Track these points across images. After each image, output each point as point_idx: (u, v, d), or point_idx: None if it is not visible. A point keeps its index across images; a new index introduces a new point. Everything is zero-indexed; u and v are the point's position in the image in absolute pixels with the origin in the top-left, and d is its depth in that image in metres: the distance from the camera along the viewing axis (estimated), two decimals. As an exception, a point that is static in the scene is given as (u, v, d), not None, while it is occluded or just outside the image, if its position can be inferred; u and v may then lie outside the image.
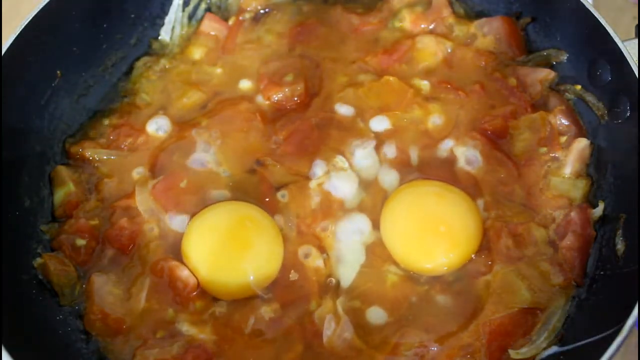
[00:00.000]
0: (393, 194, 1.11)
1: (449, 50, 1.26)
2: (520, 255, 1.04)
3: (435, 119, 1.18)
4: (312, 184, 1.12)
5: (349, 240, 1.08)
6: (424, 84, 1.23)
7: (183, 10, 1.37)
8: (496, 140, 1.15)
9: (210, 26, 1.36)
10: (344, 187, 1.12)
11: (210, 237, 1.06)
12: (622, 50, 1.03)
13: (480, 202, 1.10)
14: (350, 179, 1.13)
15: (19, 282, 1.03)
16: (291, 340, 1.01)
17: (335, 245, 1.08)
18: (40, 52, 1.14)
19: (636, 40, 1.08)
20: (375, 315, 1.03)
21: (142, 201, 1.12)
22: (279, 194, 1.13)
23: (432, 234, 1.06)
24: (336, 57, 1.29)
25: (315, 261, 1.06)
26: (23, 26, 1.08)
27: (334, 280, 1.05)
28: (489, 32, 1.27)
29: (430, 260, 1.05)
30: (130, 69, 1.31)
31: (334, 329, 1.00)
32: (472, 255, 1.05)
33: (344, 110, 1.21)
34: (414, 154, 1.15)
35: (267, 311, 1.03)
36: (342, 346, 0.99)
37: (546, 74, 1.20)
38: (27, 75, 1.12)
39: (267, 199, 1.13)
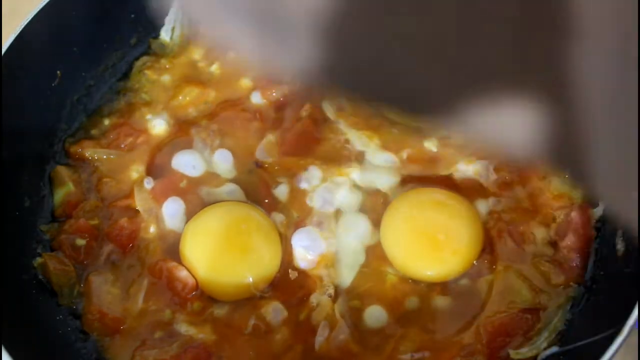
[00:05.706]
0: (393, 203, 1.09)
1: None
2: (521, 256, 1.04)
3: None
4: (312, 183, 1.12)
5: (348, 240, 1.08)
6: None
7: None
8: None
9: (211, 26, 1.35)
10: (343, 186, 1.12)
11: (208, 238, 1.05)
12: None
13: (482, 204, 1.09)
14: (350, 179, 1.13)
15: (19, 282, 1.03)
16: (291, 340, 1.01)
17: (334, 245, 1.08)
18: (40, 52, 1.13)
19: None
20: (375, 315, 1.02)
21: (141, 201, 1.12)
22: (278, 194, 1.13)
23: (433, 244, 1.05)
24: (336, 57, 1.28)
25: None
26: (23, 26, 1.08)
27: (332, 281, 1.05)
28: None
29: (431, 270, 1.04)
30: (130, 68, 1.31)
31: (327, 335, 0.99)
32: (474, 262, 1.05)
33: (344, 110, 1.20)
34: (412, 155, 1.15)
35: (267, 311, 1.02)
36: (336, 350, 0.99)
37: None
38: (27, 75, 1.12)
39: (265, 199, 1.12)
